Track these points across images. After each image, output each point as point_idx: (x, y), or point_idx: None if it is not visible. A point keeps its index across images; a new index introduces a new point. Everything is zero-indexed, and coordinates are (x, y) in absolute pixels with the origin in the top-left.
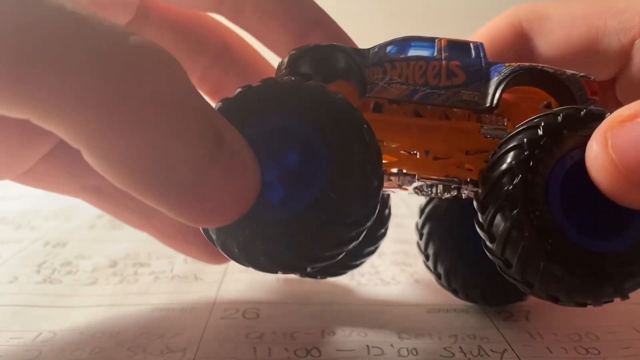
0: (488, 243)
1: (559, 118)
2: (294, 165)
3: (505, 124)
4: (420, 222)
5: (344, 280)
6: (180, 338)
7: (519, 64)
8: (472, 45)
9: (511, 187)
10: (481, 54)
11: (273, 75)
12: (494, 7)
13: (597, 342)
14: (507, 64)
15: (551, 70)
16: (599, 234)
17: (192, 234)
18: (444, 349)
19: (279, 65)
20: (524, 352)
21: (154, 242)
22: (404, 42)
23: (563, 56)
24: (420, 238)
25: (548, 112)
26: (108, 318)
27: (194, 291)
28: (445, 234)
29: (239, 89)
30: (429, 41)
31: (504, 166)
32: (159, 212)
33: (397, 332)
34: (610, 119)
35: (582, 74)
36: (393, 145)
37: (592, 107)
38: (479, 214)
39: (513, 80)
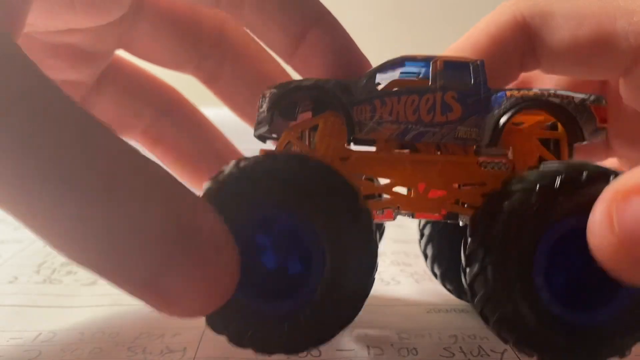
0: (465, 276)
1: (557, 183)
2: (290, 265)
3: (507, 153)
4: (422, 222)
5: None
6: (180, 338)
7: (521, 93)
8: (471, 67)
9: (497, 245)
10: (480, 79)
11: (270, 64)
12: (494, 5)
13: None
14: (508, 93)
15: (557, 101)
16: (579, 303)
17: None
18: (444, 349)
19: (260, 103)
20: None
21: None
22: (395, 65)
23: (569, 56)
24: (421, 238)
25: (546, 170)
26: (108, 318)
27: None
28: (444, 236)
29: (228, 171)
30: (424, 61)
31: (494, 228)
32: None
33: (397, 332)
34: (615, 189)
35: (593, 97)
36: (386, 182)
37: (594, 169)
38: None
39: (515, 114)
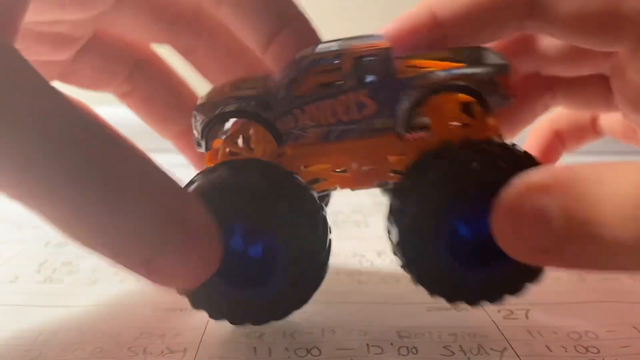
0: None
1: (464, 168)
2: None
3: (427, 123)
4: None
5: (344, 278)
6: (180, 338)
7: (427, 81)
8: (379, 59)
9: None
10: (389, 69)
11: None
12: None
13: (597, 341)
14: (416, 83)
15: (460, 83)
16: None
17: None
18: (444, 347)
19: (193, 123)
20: (523, 351)
21: None
22: (309, 67)
23: (575, 27)
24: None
25: (449, 152)
26: (109, 318)
27: None
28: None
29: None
30: (335, 57)
31: (408, 198)
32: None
33: (396, 330)
34: (519, 185)
35: (496, 69)
36: (322, 167)
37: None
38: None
39: (422, 102)
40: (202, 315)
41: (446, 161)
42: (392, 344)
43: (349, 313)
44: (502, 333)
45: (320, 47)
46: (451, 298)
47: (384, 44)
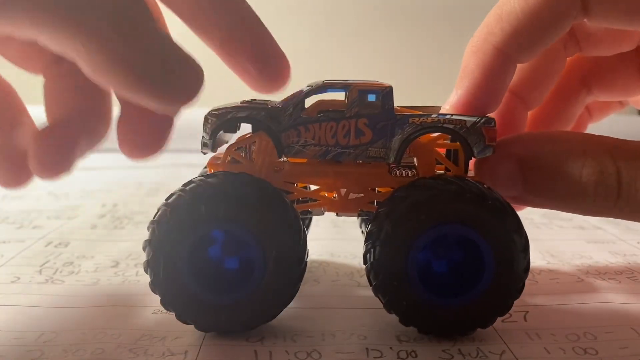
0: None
1: (426, 198)
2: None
3: (413, 162)
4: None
5: (344, 281)
6: (181, 341)
7: (421, 120)
8: (381, 95)
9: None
10: (388, 105)
11: None
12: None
13: (595, 343)
14: (410, 120)
15: (451, 127)
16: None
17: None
18: (443, 351)
19: (203, 126)
20: (522, 353)
21: None
22: (319, 91)
23: (618, 10)
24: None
25: (419, 187)
26: (110, 319)
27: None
28: None
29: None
30: (343, 87)
31: (383, 224)
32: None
33: (396, 334)
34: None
35: (483, 120)
36: (314, 188)
37: (454, 189)
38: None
39: (415, 138)
40: None
41: (419, 190)
42: (391, 348)
43: (349, 317)
44: (500, 336)
45: (328, 80)
46: (422, 328)
47: (386, 84)
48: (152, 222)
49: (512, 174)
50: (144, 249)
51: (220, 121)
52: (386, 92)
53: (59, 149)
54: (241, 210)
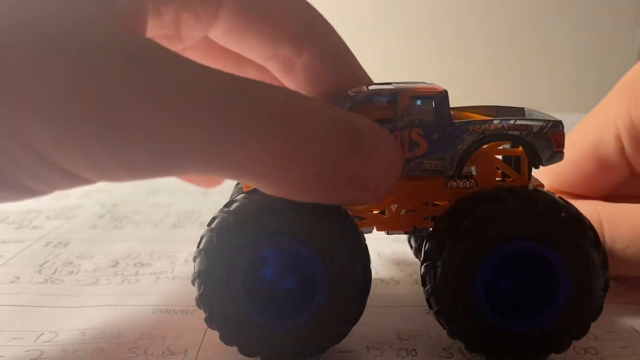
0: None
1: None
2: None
3: (471, 172)
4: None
5: None
6: (181, 340)
7: (483, 127)
8: (434, 101)
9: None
10: (444, 112)
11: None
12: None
13: (596, 342)
14: (470, 128)
15: (516, 133)
16: (517, 311)
17: None
18: (443, 349)
19: None
20: None
21: (155, 241)
22: (364, 101)
23: None
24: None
25: (484, 196)
26: (109, 319)
27: (196, 292)
28: None
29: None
30: (390, 95)
31: (444, 243)
32: None
33: (396, 332)
34: None
35: (551, 124)
36: (361, 207)
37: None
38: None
39: (478, 147)
40: (203, 317)
41: (483, 203)
42: (391, 346)
43: None
44: None
45: (374, 86)
46: (491, 354)
47: (440, 87)
48: (199, 252)
49: None
50: (192, 282)
51: None
52: (441, 97)
53: None
54: (294, 222)
